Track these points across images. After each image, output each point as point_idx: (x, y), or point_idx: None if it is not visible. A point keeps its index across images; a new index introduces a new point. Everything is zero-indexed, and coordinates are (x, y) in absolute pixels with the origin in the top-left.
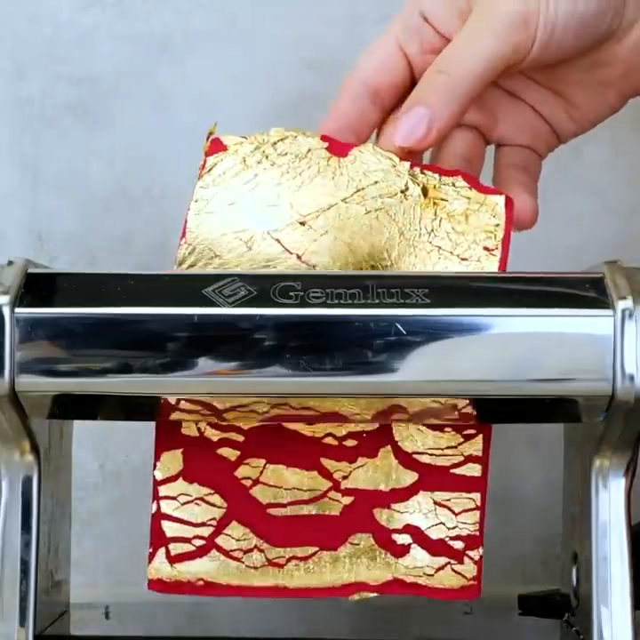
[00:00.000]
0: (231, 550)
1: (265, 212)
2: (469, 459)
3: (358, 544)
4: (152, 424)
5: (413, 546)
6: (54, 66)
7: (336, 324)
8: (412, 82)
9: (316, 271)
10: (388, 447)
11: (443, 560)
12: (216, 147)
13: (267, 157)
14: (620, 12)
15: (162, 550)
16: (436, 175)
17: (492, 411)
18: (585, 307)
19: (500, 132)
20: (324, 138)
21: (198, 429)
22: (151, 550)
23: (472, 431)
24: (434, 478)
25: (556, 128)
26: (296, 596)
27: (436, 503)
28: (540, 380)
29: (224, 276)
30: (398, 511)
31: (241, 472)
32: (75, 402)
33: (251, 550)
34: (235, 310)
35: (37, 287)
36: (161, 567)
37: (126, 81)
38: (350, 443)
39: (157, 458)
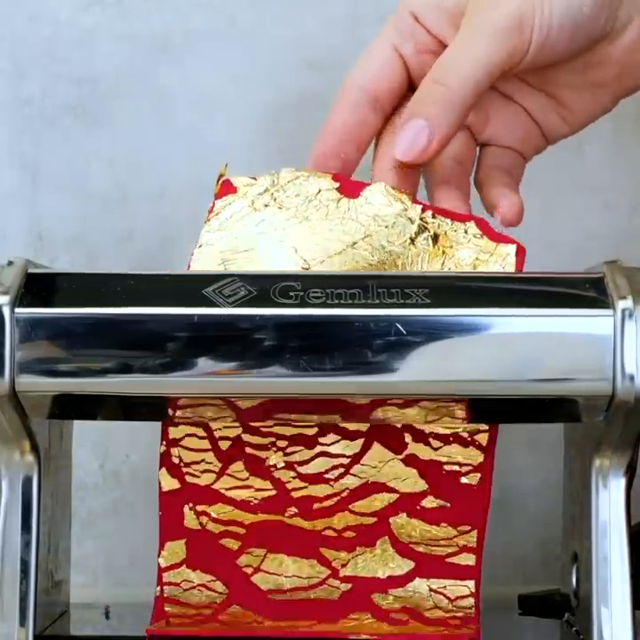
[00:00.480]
0: (231, 622)
1: (269, 256)
2: (464, 549)
3: (357, 619)
4: (152, 424)
5: (411, 621)
6: (54, 66)
7: (336, 323)
8: (410, 84)
9: (316, 271)
10: (386, 538)
11: (441, 628)
12: (226, 189)
13: (275, 200)
14: (614, 14)
15: (162, 622)
16: (448, 220)
17: (492, 411)
18: (585, 306)
19: (489, 133)
20: (336, 177)
21: (200, 523)
22: (151, 622)
23: (467, 527)
24: (430, 566)
25: (546, 130)
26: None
27: (431, 590)
28: (540, 380)
29: (224, 276)
30: (396, 596)
31: (242, 561)
32: (75, 402)
33: (250, 622)
34: (235, 310)
35: (37, 287)
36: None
37: (126, 81)
38: (349, 534)
39: (162, 546)
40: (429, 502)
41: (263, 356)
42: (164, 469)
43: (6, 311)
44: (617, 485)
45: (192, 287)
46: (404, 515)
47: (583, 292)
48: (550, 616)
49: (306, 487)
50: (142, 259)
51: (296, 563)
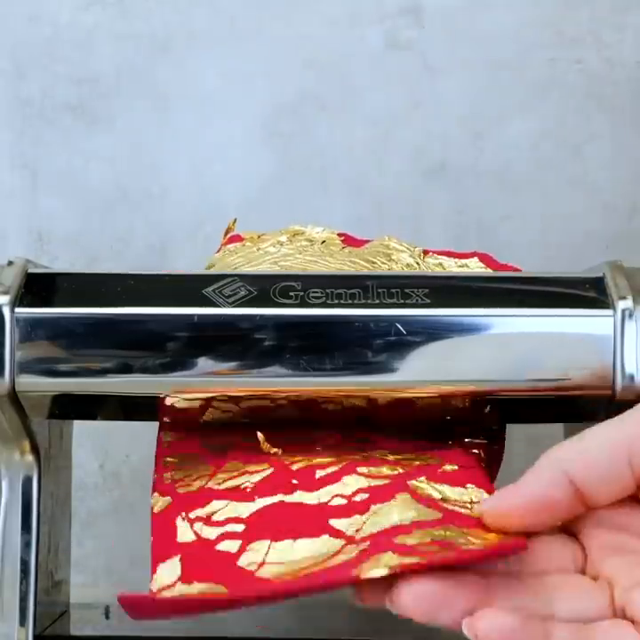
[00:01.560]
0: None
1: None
2: None
3: (378, 559)
4: (152, 424)
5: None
6: (54, 66)
7: (336, 323)
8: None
9: (316, 271)
10: (405, 493)
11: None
12: (232, 242)
13: (281, 245)
14: None
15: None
16: (452, 258)
17: (493, 410)
18: (585, 307)
19: None
20: (341, 234)
21: (194, 532)
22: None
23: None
24: (459, 520)
25: None
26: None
27: (464, 532)
28: (540, 380)
29: (224, 276)
30: (423, 532)
31: (244, 561)
32: (75, 402)
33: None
34: (235, 310)
35: (37, 287)
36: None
37: (126, 81)
38: (361, 496)
39: (154, 570)
40: (450, 466)
41: (263, 356)
42: (156, 493)
43: (6, 311)
44: None
45: (192, 287)
46: (423, 478)
47: (583, 292)
48: None
49: (306, 458)
50: (142, 259)
51: (305, 544)
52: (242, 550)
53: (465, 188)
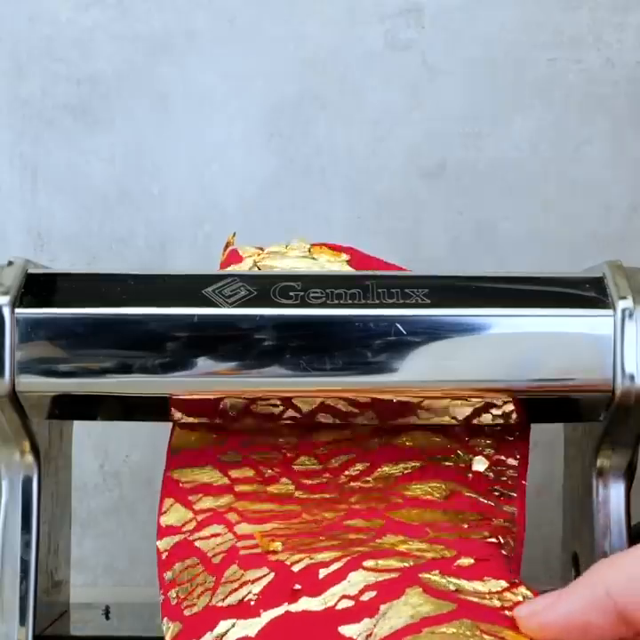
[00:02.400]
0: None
1: None
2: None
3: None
4: (152, 424)
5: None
6: (54, 66)
7: (336, 323)
8: None
9: (316, 271)
10: (417, 587)
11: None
12: (232, 258)
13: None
14: None
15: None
16: None
17: (493, 411)
18: (585, 307)
19: None
20: (347, 251)
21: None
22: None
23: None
24: (475, 611)
25: None
26: None
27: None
28: (540, 380)
29: (224, 276)
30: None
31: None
32: (75, 402)
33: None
34: (235, 310)
35: (37, 287)
36: None
37: (126, 81)
38: (368, 595)
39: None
40: (466, 560)
41: (263, 356)
42: (166, 619)
43: (6, 311)
44: (617, 485)
45: (192, 287)
46: (437, 571)
47: (583, 292)
48: None
49: (308, 556)
50: (142, 259)
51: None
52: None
53: (465, 188)
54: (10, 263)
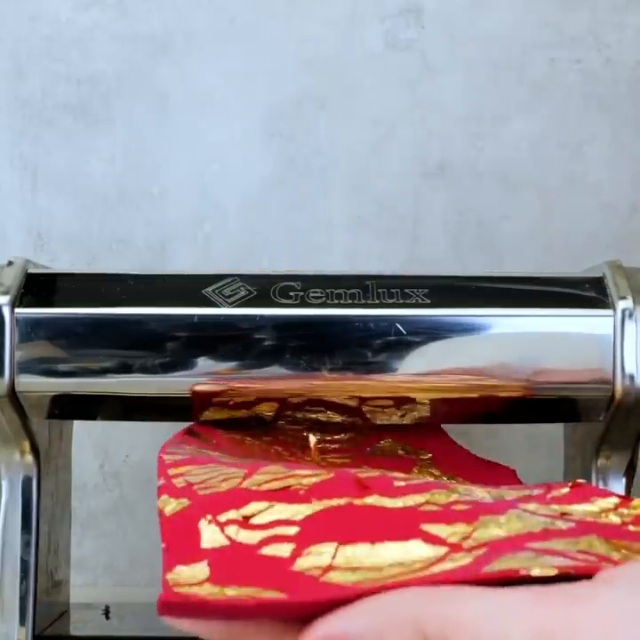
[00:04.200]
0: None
1: None
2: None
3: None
4: (152, 424)
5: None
6: (54, 66)
7: (336, 323)
8: None
9: (316, 271)
10: (520, 511)
11: None
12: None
13: None
14: None
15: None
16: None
17: (493, 411)
18: (585, 307)
19: None
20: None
21: (227, 537)
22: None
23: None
24: (597, 529)
25: None
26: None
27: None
28: (540, 380)
29: (224, 276)
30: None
31: (301, 565)
32: (74, 402)
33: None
34: (235, 310)
35: (37, 287)
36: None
37: (126, 81)
38: (460, 507)
39: (169, 569)
40: (558, 491)
41: (263, 356)
42: (165, 495)
43: (6, 311)
44: (617, 485)
45: (192, 287)
46: (534, 503)
47: (583, 291)
48: None
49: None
50: (142, 259)
51: (387, 548)
52: (296, 554)
53: (465, 188)
54: (10, 263)
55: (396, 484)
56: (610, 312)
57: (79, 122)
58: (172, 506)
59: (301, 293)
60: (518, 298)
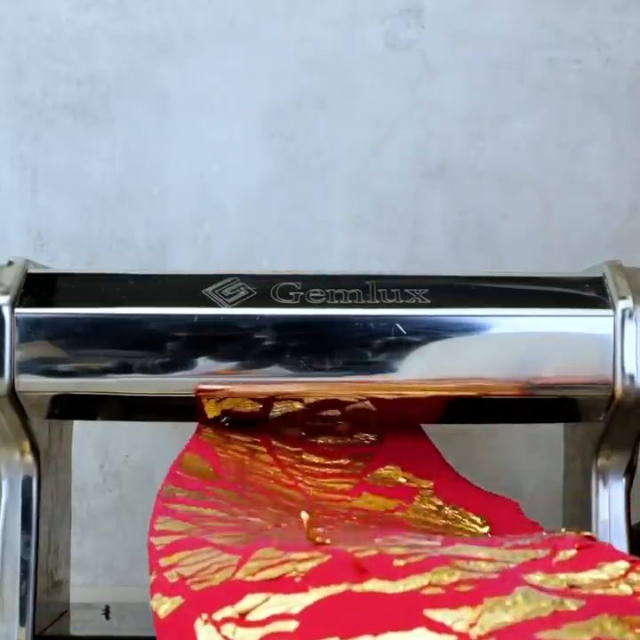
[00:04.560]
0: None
1: None
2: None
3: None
4: (152, 424)
5: None
6: (54, 66)
7: (336, 323)
8: None
9: (316, 271)
10: (526, 587)
11: None
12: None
13: None
14: None
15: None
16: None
17: (493, 410)
18: (585, 307)
19: None
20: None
21: (224, 637)
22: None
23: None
24: (608, 605)
25: None
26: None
27: None
28: (540, 380)
29: (224, 276)
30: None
31: None
32: (74, 402)
33: None
34: (235, 310)
35: (37, 287)
36: None
37: (126, 81)
38: (464, 588)
39: None
40: (564, 553)
41: (263, 356)
42: (158, 594)
43: (6, 311)
44: (617, 485)
45: (192, 287)
46: (540, 572)
47: (583, 291)
48: None
49: (375, 548)
50: (142, 259)
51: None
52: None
53: (465, 188)
54: (10, 263)
55: (396, 563)
56: (610, 312)
57: (79, 122)
58: (165, 606)
59: (301, 293)
60: (518, 298)
